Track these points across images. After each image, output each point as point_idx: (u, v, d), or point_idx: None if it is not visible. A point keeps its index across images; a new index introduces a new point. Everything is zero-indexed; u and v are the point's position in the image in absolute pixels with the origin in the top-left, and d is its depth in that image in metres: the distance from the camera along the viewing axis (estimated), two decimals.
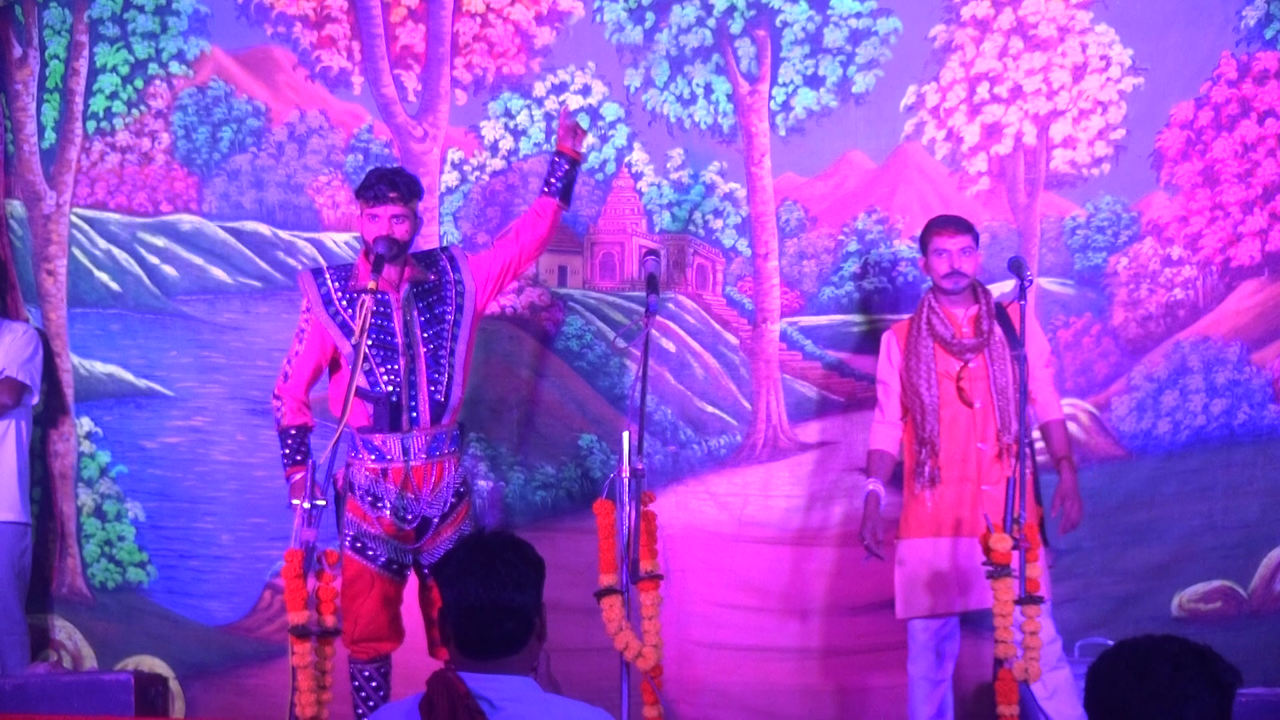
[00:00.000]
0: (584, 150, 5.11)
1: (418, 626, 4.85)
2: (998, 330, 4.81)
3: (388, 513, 4.73)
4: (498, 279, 4.95)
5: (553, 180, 5.00)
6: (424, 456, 4.73)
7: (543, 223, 4.97)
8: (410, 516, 4.73)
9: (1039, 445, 5.02)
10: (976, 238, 4.94)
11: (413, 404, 4.71)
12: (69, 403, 6.00)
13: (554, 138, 5.45)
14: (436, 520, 4.75)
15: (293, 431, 4.79)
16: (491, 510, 5.70)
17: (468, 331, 4.83)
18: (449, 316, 4.79)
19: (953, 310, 4.89)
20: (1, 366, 5.69)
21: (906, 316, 5.56)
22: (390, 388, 4.70)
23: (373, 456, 4.74)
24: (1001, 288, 5.22)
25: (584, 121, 5.38)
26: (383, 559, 4.74)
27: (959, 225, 4.90)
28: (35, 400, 5.80)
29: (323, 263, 5.77)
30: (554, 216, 4.99)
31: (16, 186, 6.06)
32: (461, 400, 4.83)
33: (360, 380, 4.65)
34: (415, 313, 4.75)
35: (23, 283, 6.03)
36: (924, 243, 4.93)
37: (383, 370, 4.71)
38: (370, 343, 4.66)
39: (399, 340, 4.72)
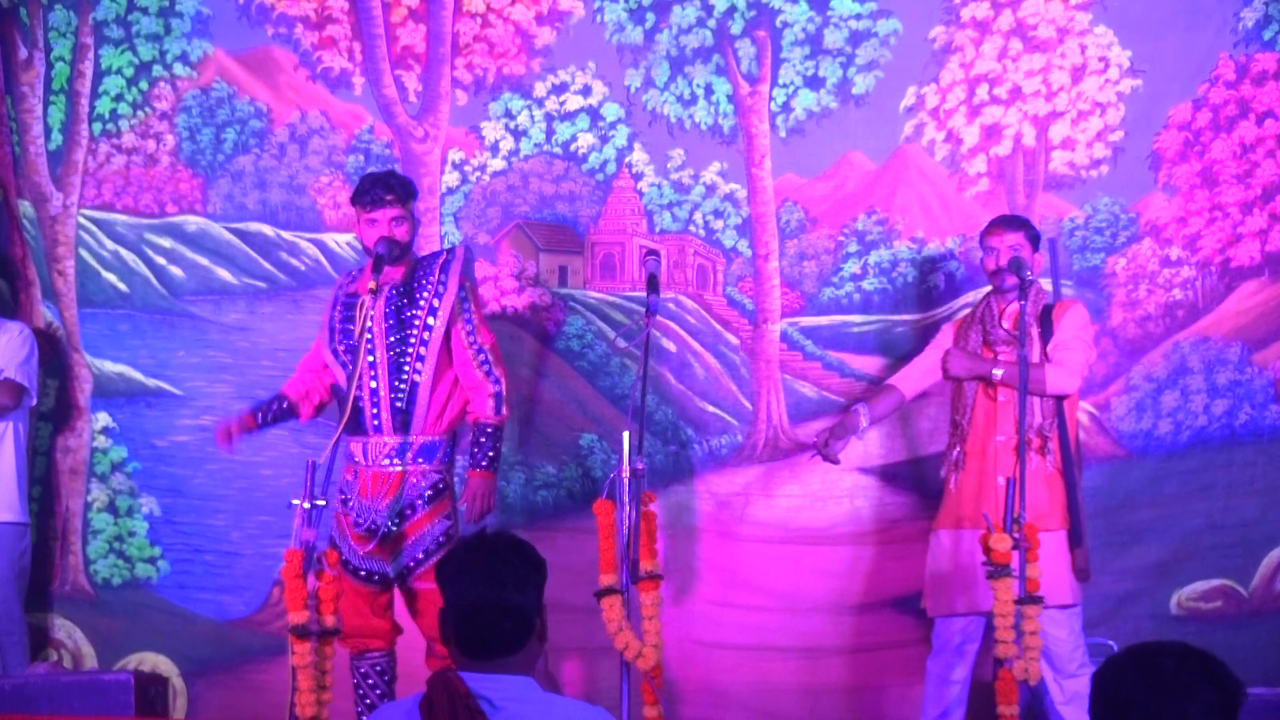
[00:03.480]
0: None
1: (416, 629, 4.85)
2: (1035, 329, 4.80)
3: (346, 513, 4.73)
4: (449, 347, 4.77)
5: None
6: (385, 463, 4.69)
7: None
8: (361, 521, 4.70)
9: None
10: (1033, 237, 4.94)
11: (374, 410, 4.70)
12: (82, 399, 6.03)
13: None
14: (387, 529, 4.66)
15: (278, 394, 4.97)
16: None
17: (443, 338, 4.70)
18: (417, 321, 4.70)
19: (1004, 306, 4.94)
20: (0, 367, 5.71)
21: (906, 317, 5.62)
22: (357, 391, 4.65)
23: (347, 457, 4.77)
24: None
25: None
26: (342, 559, 4.67)
27: (1008, 224, 4.96)
28: (33, 402, 5.82)
29: (326, 264, 5.85)
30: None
31: (25, 188, 6.10)
32: (439, 410, 4.72)
33: (340, 381, 4.73)
34: (382, 317, 4.71)
35: (41, 280, 6.07)
36: (981, 241, 5.00)
37: (353, 373, 4.69)
38: (343, 346, 4.72)
39: (358, 343, 4.67)
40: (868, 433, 5.42)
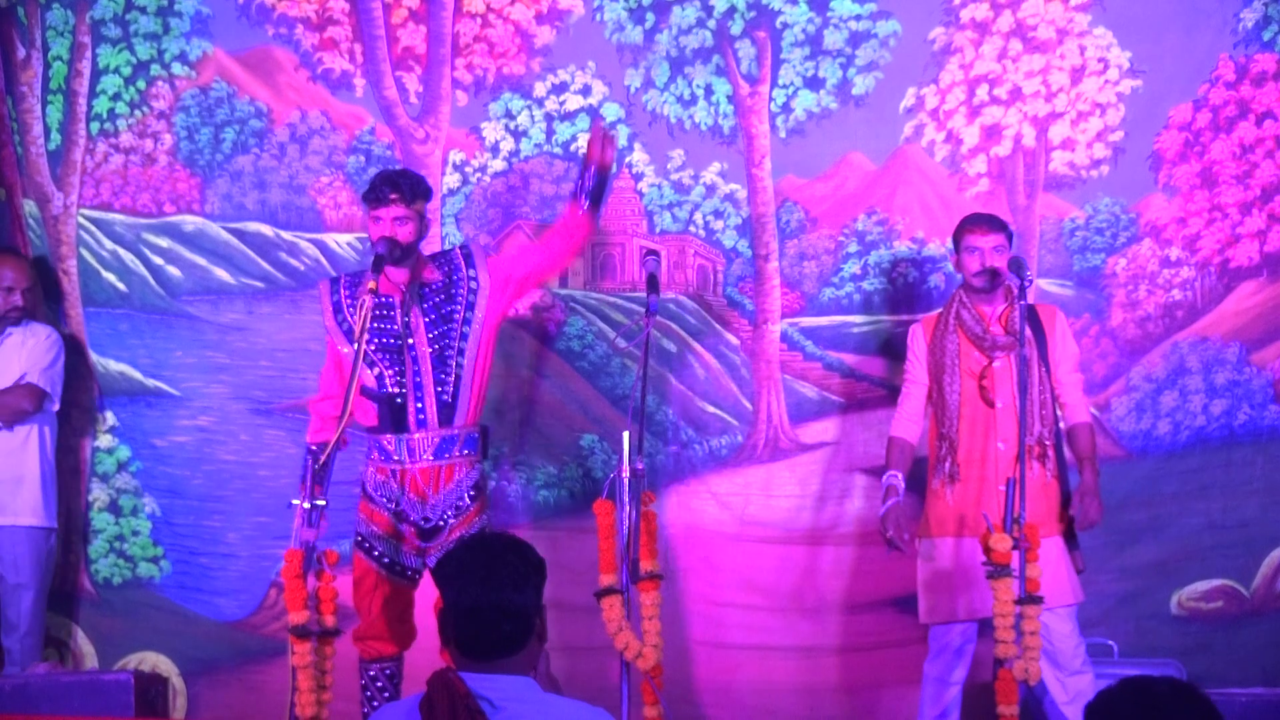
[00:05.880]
0: (612, 162, 5.02)
1: (429, 629, 4.83)
2: (1028, 331, 4.75)
3: (388, 513, 4.75)
4: (520, 282, 4.94)
5: (582, 190, 4.96)
6: (430, 458, 4.73)
7: (576, 233, 4.97)
8: (414, 519, 4.73)
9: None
10: (1010, 236, 4.92)
11: (419, 405, 4.73)
12: (87, 399, 6.03)
13: (576, 145, 5.54)
14: (442, 523, 4.72)
15: (313, 448, 4.74)
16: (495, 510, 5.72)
17: (480, 329, 4.79)
18: (458, 315, 4.77)
19: (983, 308, 4.88)
20: (24, 371, 5.71)
21: (906, 317, 5.61)
22: (396, 389, 4.72)
23: (381, 457, 4.78)
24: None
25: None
26: (386, 559, 4.76)
27: (992, 223, 4.88)
28: (56, 407, 5.81)
29: (326, 264, 5.84)
30: (588, 226, 4.98)
31: (29, 188, 6.10)
32: (477, 402, 4.79)
33: (369, 381, 4.72)
34: (418, 313, 4.76)
35: (48, 281, 6.08)
36: (956, 240, 4.92)
37: (389, 372, 4.73)
38: (374, 345, 4.71)
39: (400, 341, 4.74)
40: (870, 437, 5.52)
